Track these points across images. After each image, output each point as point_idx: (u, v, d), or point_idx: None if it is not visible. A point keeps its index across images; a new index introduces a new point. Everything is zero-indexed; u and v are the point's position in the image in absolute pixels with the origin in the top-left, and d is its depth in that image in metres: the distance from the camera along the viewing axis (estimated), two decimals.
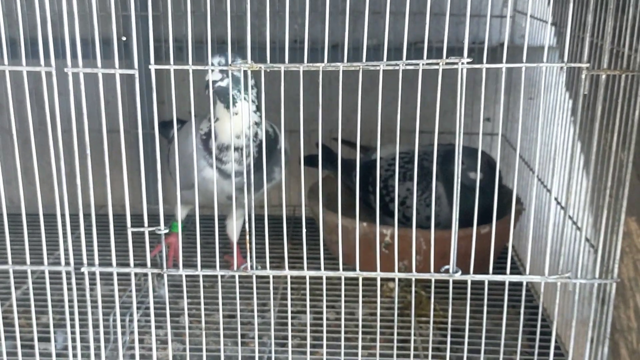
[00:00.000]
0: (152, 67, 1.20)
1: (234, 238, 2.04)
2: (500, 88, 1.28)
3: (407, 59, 1.20)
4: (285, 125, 1.25)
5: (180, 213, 2.03)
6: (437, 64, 1.18)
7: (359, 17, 1.42)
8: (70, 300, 1.32)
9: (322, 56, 1.22)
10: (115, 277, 1.31)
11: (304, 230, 1.35)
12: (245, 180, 1.63)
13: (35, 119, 1.30)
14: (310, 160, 2.05)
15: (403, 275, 1.31)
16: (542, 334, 1.38)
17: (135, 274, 1.34)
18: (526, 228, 1.89)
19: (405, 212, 2.07)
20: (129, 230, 1.27)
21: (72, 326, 1.33)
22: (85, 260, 1.30)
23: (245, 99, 1.65)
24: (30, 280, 1.35)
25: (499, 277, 1.30)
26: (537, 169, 1.89)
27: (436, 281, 1.28)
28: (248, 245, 1.27)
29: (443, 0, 2.16)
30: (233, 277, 1.30)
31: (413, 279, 1.30)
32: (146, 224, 1.28)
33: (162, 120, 2.25)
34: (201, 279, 1.31)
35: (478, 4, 2.32)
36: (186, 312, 1.36)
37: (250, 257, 1.28)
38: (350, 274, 1.33)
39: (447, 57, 1.18)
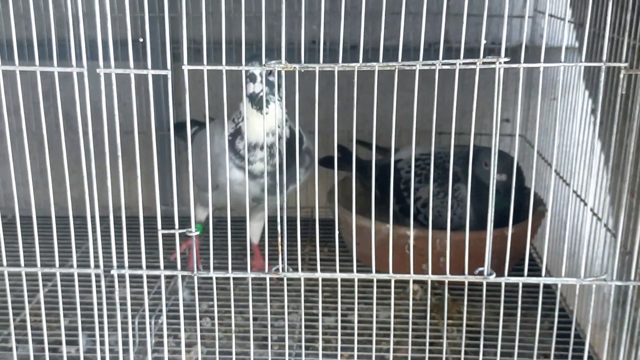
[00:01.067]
0: (185, 68, 1.19)
1: (255, 240, 2.04)
2: (518, 89, 1.26)
3: (425, 58, 1.20)
4: (303, 127, 1.25)
5: (201, 215, 2.01)
6: (474, 63, 1.17)
7: (378, 17, 1.41)
8: (99, 303, 1.31)
9: (345, 57, 1.22)
10: (145, 280, 1.30)
11: (337, 232, 1.33)
12: (271, 180, 1.61)
13: (51, 121, 1.30)
14: (327, 162, 2.04)
15: (436, 277, 1.29)
16: (570, 337, 1.37)
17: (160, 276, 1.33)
18: (551, 230, 1.88)
19: (427, 214, 2.06)
20: (160, 233, 1.26)
21: (101, 329, 1.32)
22: (114, 263, 1.29)
23: (278, 99, 1.65)
24: (59, 283, 1.34)
25: (533, 280, 1.29)
26: (565, 173, 1.89)
27: (459, 283, 1.27)
28: (280, 247, 1.26)
29: (462, 0, 2.15)
30: (254, 279, 1.28)
31: (446, 281, 1.29)
32: (177, 226, 1.27)
33: (177, 122, 2.24)
34: (232, 281, 1.30)
35: (498, 4, 2.30)
36: (216, 315, 1.34)
37: (282, 259, 1.27)
38: (383, 276, 1.32)
39: (484, 57, 1.16)
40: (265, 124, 1.65)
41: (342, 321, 1.75)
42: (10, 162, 1.28)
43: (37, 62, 1.22)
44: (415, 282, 1.91)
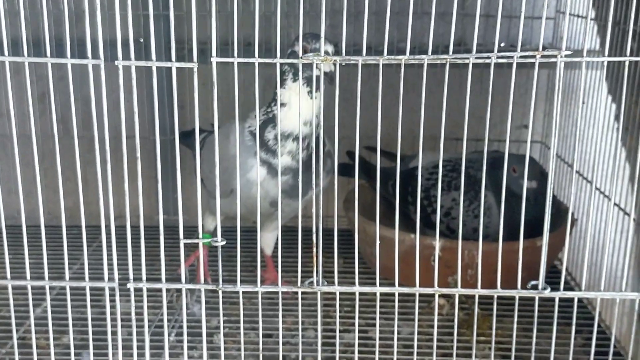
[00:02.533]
0: (214, 60, 1.08)
1: (269, 251, 1.92)
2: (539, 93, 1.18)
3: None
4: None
5: (210, 224, 1.90)
6: (533, 56, 1.07)
7: (399, 19, 1.34)
8: (113, 319, 1.19)
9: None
10: (164, 294, 1.18)
11: (356, 244, 1.23)
12: (292, 181, 1.51)
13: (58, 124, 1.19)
14: (342, 170, 1.94)
15: (485, 292, 1.18)
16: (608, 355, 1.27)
17: (168, 290, 1.22)
18: (584, 240, 1.79)
19: (449, 223, 1.96)
20: (182, 242, 1.15)
21: (115, 347, 1.21)
22: (131, 276, 1.17)
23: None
24: (68, 297, 1.22)
25: (590, 294, 1.19)
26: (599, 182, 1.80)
27: (489, 297, 1.18)
28: (315, 259, 1.15)
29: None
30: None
31: (495, 296, 1.18)
32: (200, 235, 1.16)
33: (183, 130, 2.13)
34: (260, 296, 1.19)
35: (518, 5, 2.23)
36: (242, 331, 1.22)
37: (317, 272, 1.16)
38: (407, 290, 1.22)
39: (543, 49, 1.07)
40: (308, 111, 1.55)
41: (363, 338, 1.66)
42: (18, 170, 1.17)
43: (48, 53, 1.10)
44: (441, 296, 1.82)
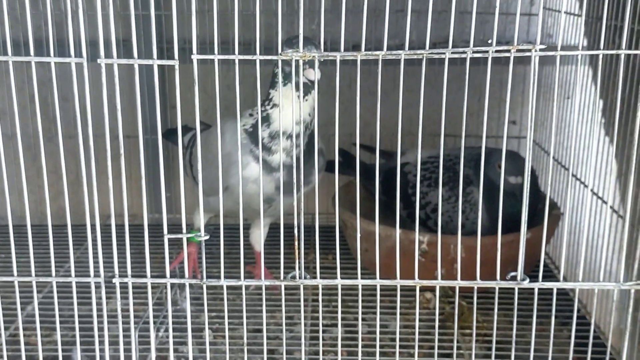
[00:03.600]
0: (195, 57, 1.10)
1: (258, 247, 1.94)
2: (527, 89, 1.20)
3: (429, 59, 1.14)
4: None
5: (199, 222, 1.91)
6: (508, 51, 1.09)
7: (380, 15, 1.34)
8: (100, 315, 1.20)
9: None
10: (149, 289, 1.19)
11: (337, 231, 1.25)
12: (287, 177, 1.53)
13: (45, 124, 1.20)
14: (329, 166, 1.95)
15: (465, 283, 1.20)
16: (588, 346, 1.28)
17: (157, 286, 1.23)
18: (568, 234, 1.80)
19: (437, 219, 1.97)
20: (166, 238, 1.16)
21: (101, 343, 1.22)
22: (117, 271, 1.19)
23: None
24: (55, 294, 1.24)
25: (569, 285, 1.21)
26: (580, 174, 1.82)
27: (471, 290, 1.20)
28: (297, 252, 1.17)
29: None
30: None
31: (475, 287, 1.20)
32: (184, 230, 1.18)
33: (168, 128, 2.14)
34: (243, 290, 1.20)
35: (504, 2, 2.24)
36: (227, 325, 1.24)
37: (299, 265, 1.18)
38: (388, 282, 1.23)
39: (518, 44, 1.09)
40: (301, 111, 1.57)
41: (350, 332, 1.67)
42: (3, 168, 1.18)
43: (31, 51, 1.12)
44: (430, 290, 1.83)
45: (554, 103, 2.02)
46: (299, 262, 1.18)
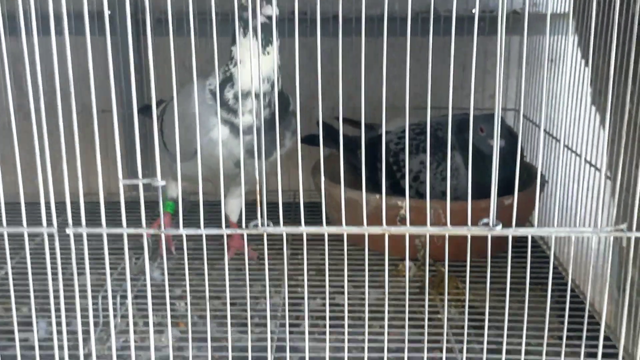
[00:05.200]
0: None
1: (234, 218, 1.88)
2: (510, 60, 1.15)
3: (412, 29, 1.08)
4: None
5: (173, 191, 1.86)
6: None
7: None
8: (54, 272, 1.14)
9: (326, 28, 1.10)
10: (105, 240, 1.14)
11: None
12: (256, 141, 1.47)
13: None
14: (311, 139, 1.90)
15: (435, 229, 1.14)
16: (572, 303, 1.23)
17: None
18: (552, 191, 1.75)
19: (418, 188, 1.92)
20: (121, 183, 1.10)
21: (57, 310, 1.16)
22: (70, 220, 1.13)
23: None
24: (6, 244, 1.18)
25: (543, 231, 1.15)
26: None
27: (455, 259, 1.15)
28: (259, 202, 1.11)
29: None
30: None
31: (447, 235, 1.14)
32: (140, 175, 1.12)
33: (143, 105, 2.09)
34: (204, 239, 1.14)
35: None
36: (187, 276, 1.19)
37: (262, 214, 1.12)
38: (354, 229, 1.18)
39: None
40: (263, 67, 1.53)
41: (331, 304, 1.61)
42: None
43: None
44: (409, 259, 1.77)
45: (543, 74, 1.98)
46: (262, 211, 1.12)
